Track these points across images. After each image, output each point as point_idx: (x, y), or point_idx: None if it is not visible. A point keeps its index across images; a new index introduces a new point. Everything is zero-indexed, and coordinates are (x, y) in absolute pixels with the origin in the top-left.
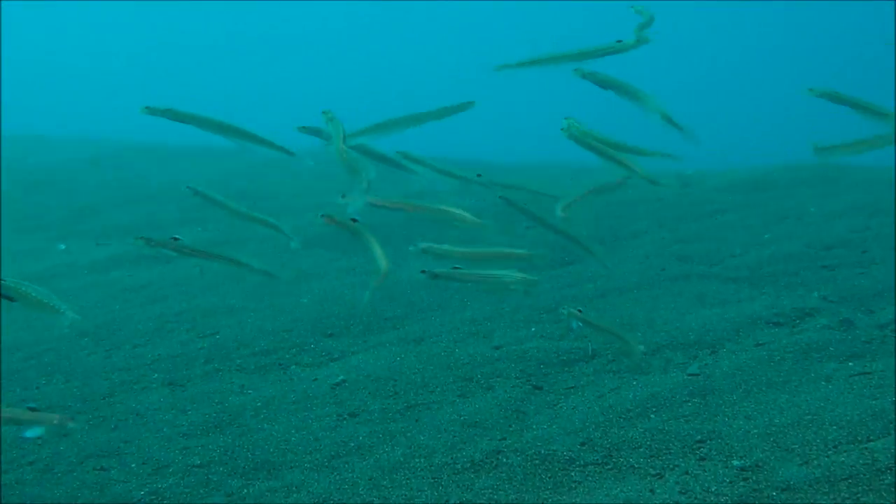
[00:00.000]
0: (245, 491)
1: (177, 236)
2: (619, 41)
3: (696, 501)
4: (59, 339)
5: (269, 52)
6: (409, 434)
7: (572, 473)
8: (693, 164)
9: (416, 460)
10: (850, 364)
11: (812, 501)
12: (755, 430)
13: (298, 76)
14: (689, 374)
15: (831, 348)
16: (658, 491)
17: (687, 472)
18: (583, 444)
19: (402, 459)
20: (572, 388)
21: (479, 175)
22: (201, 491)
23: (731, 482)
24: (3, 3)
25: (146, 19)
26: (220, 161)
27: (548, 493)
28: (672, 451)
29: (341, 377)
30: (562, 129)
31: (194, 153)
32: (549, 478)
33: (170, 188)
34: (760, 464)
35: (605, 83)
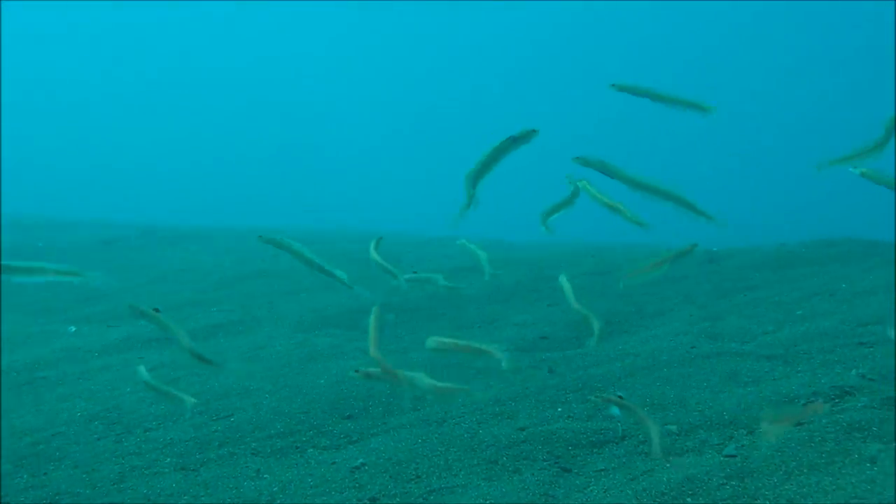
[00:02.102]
0: None
1: (157, 308)
2: None
3: None
4: (68, 424)
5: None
6: None
7: None
8: (718, 242)
9: None
10: None
11: None
12: None
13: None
14: (726, 456)
15: (874, 428)
16: None
17: None
18: None
19: None
20: (603, 470)
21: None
22: None
23: None
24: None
25: (159, 102)
26: (236, 242)
27: None
28: None
29: (361, 460)
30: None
31: (209, 235)
32: None
33: (184, 270)
34: None
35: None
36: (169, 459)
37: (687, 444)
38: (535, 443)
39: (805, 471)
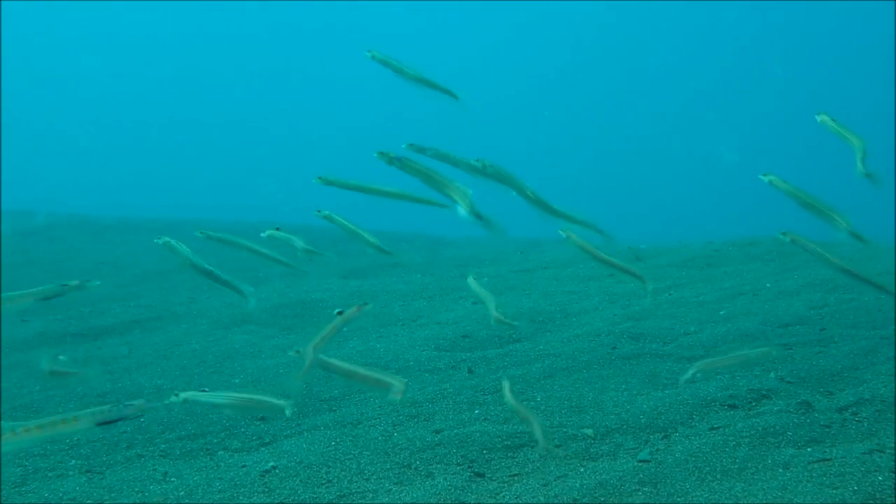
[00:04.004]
0: None
1: None
2: None
3: None
4: None
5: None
6: None
7: None
8: (645, 239)
9: None
10: (809, 450)
11: None
12: None
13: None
14: (640, 461)
15: (789, 433)
16: None
17: None
18: None
19: None
20: (516, 475)
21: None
22: None
23: None
24: None
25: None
26: (157, 235)
27: None
28: None
29: (271, 463)
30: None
31: (131, 227)
32: None
33: (105, 263)
34: None
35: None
36: (74, 461)
37: (602, 449)
38: (449, 446)
39: (718, 477)
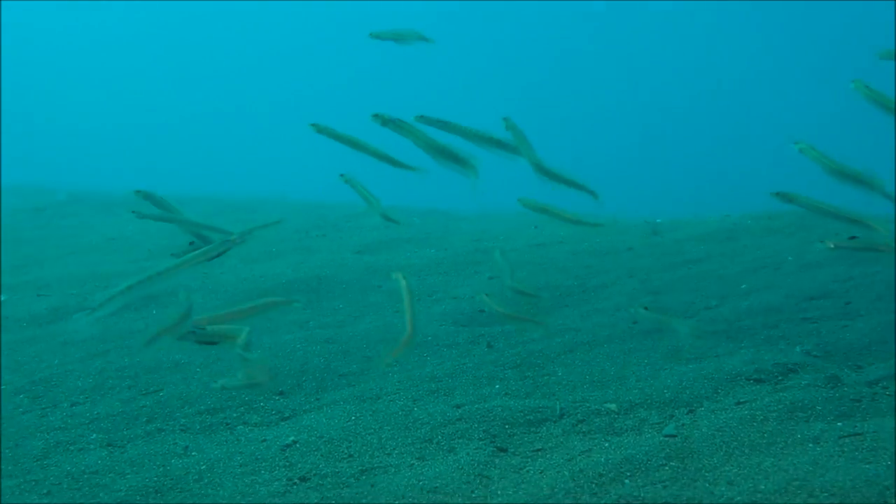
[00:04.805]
0: None
1: None
2: None
3: None
4: None
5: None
6: (363, 500)
7: None
8: (662, 213)
9: None
10: (839, 424)
11: None
12: (739, 498)
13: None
14: (666, 436)
15: (818, 407)
16: None
17: None
18: None
19: None
20: (539, 450)
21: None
22: None
23: None
24: None
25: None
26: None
27: None
28: None
29: (292, 438)
30: None
31: (141, 203)
32: None
33: (116, 238)
34: None
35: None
36: (95, 435)
37: (626, 423)
38: (471, 421)
39: (746, 451)
